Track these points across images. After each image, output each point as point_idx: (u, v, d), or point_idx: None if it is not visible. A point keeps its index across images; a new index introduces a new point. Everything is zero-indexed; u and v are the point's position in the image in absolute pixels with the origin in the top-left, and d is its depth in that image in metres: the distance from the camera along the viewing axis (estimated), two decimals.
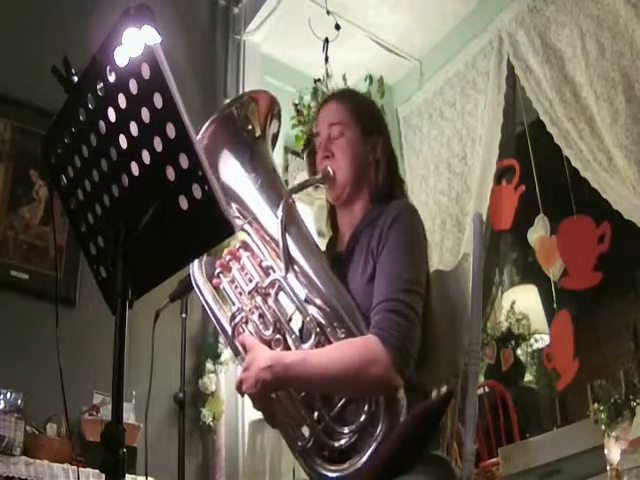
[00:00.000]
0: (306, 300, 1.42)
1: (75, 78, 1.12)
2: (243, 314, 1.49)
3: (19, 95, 3.02)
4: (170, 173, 1.00)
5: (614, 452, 2.45)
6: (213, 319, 1.57)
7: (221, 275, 1.56)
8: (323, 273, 1.45)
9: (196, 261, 1.60)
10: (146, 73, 0.99)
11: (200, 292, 1.59)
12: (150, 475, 1.99)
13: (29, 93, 2.98)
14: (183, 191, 0.99)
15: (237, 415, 3.15)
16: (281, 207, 1.48)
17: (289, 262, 1.45)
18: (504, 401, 3.24)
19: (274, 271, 1.47)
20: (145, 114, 1.01)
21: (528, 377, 3.74)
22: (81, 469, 2.39)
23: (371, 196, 1.62)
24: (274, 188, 1.56)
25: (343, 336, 1.39)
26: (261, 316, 1.47)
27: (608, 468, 2.40)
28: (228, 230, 0.98)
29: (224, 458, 3.04)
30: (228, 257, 1.56)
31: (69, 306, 2.85)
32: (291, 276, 1.45)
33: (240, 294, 1.52)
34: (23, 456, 2.32)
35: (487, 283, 3.37)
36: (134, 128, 1.03)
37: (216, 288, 1.58)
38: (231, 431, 3.12)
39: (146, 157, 1.03)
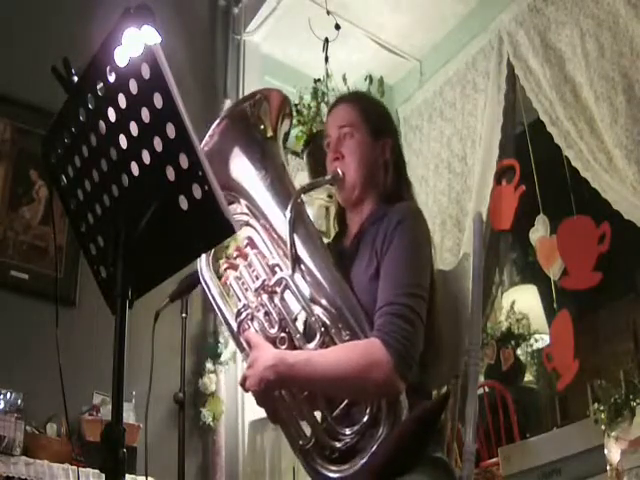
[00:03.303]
0: (312, 300, 1.43)
1: (75, 78, 1.12)
2: (249, 311, 1.51)
3: (19, 95, 3.02)
4: (170, 173, 1.00)
5: (614, 452, 2.44)
6: (219, 314, 1.58)
7: (228, 270, 1.57)
8: (329, 274, 1.46)
9: (204, 255, 1.61)
10: (146, 73, 0.99)
11: (207, 286, 1.60)
12: (150, 475, 1.99)
13: (29, 93, 2.98)
14: (183, 191, 0.99)
15: (237, 415, 3.15)
16: (290, 207, 1.49)
17: (296, 261, 1.46)
18: (504, 401, 3.24)
19: (281, 269, 1.48)
20: (145, 114, 1.01)
21: (528, 377, 3.74)
22: (81, 469, 2.39)
23: (379, 197, 1.63)
24: (283, 187, 1.57)
25: (347, 338, 1.40)
26: (267, 314, 1.48)
27: (608, 468, 2.40)
28: (228, 230, 0.98)
29: (224, 458, 3.03)
30: (235, 253, 1.57)
31: (69, 306, 2.85)
32: (298, 275, 1.46)
33: (246, 290, 1.53)
34: (23, 456, 2.32)
35: (487, 283, 3.37)
36: (134, 128, 1.03)
37: (224, 284, 1.59)
38: (231, 431, 3.11)
39: (146, 157, 1.03)
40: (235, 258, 1.58)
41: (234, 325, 1.53)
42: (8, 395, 2.41)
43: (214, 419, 3.05)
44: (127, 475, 1.16)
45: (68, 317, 2.71)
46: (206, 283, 1.60)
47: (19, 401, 2.42)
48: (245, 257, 1.56)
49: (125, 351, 1.02)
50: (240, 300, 1.53)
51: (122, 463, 0.96)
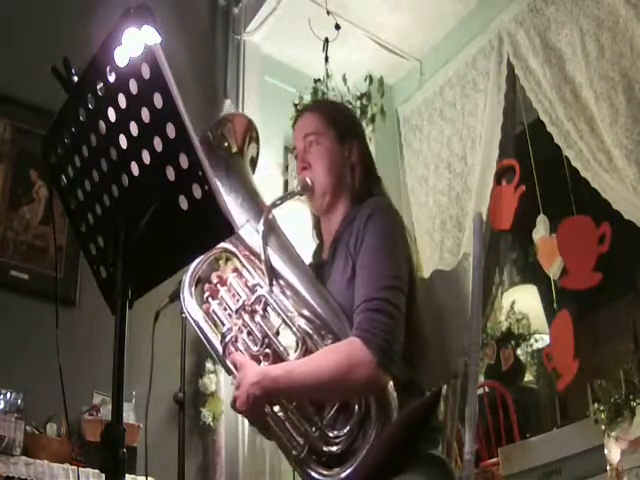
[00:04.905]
0: (293, 312, 1.44)
1: (75, 78, 1.12)
2: (232, 333, 1.51)
3: (19, 95, 3.02)
4: (170, 173, 1.00)
5: (614, 452, 2.45)
6: (205, 342, 1.58)
7: (210, 299, 1.58)
8: (308, 283, 1.47)
9: (186, 288, 1.61)
10: (146, 73, 0.99)
11: (191, 317, 1.60)
12: (150, 475, 1.99)
13: (29, 93, 2.98)
14: (183, 191, 0.99)
15: (237, 415, 3.15)
16: (261, 222, 1.50)
17: (273, 276, 1.48)
18: (504, 401, 3.24)
19: (261, 288, 1.49)
20: (145, 114, 1.01)
21: (528, 377, 3.74)
22: (81, 469, 2.39)
23: (351, 200, 1.63)
24: (255, 205, 1.57)
25: (330, 342, 1.40)
26: (249, 333, 1.49)
27: (608, 468, 2.40)
28: (228, 230, 0.98)
29: (224, 458, 3.03)
30: (216, 280, 1.58)
31: (69, 306, 2.85)
32: (277, 290, 1.47)
33: (229, 315, 1.54)
34: (23, 456, 2.32)
35: (487, 283, 3.37)
36: (134, 128, 1.03)
37: (207, 312, 1.59)
38: (231, 431, 3.11)
39: (146, 157, 1.03)
40: (215, 285, 1.58)
41: (219, 350, 1.53)
42: (8, 395, 2.41)
43: (214, 419, 3.05)
44: (127, 475, 1.16)
45: (68, 317, 2.71)
46: (190, 315, 1.60)
47: (19, 401, 2.42)
48: (224, 282, 1.57)
49: (125, 351, 1.02)
50: (224, 324, 1.54)
51: (122, 463, 0.96)
